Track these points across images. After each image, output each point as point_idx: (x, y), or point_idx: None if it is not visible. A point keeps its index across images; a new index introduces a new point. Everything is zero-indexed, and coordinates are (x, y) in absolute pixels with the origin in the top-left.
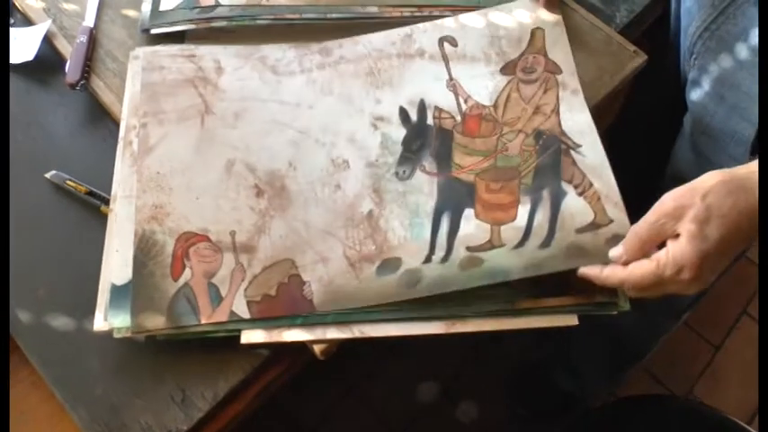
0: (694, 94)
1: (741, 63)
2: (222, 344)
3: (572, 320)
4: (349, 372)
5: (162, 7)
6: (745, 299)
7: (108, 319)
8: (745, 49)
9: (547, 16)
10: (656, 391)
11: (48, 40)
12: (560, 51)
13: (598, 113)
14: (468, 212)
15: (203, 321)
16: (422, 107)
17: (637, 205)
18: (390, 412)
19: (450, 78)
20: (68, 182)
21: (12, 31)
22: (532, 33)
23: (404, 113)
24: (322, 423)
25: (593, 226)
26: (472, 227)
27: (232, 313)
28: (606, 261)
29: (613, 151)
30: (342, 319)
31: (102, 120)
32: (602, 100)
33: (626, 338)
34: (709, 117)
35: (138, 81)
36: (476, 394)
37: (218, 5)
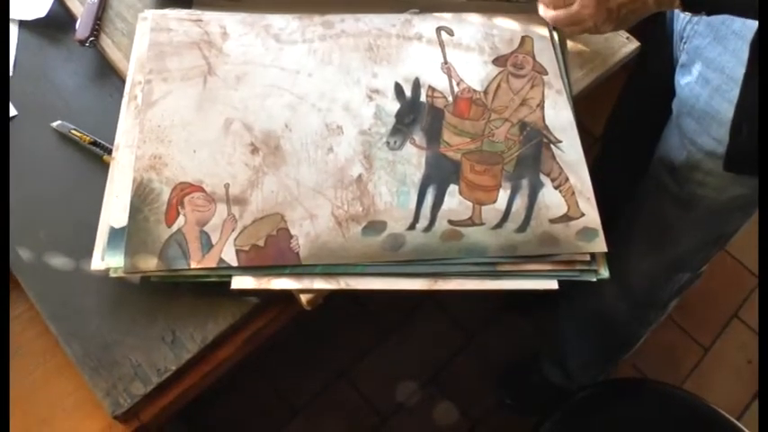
0: (682, 78)
1: (725, 46)
2: (213, 289)
3: (551, 284)
4: (341, 356)
5: None
6: (737, 303)
7: (104, 259)
8: (731, 34)
9: (536, 28)
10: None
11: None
12: (547, 58)
13: (592, 98)
14: (453, 188)
15: (193, 266)
16: (416, 85)
17: (628, 186)
18: (380, 397)
19: (445, 62)
20: (73, 131)
21: None
22: (522, 39)
23: (399, 88)
24: (310, 403)
25: (566, 218)
26: (455, 202)
27: (221, 260)
28: (575, 252)
29: (612, 138)
30: (329, 270)
31: (109, 76)
32: (593, 82)
33: (614, 329)
34: (694, 99)
35: (145, 41)
36: (466, 382)
37: None
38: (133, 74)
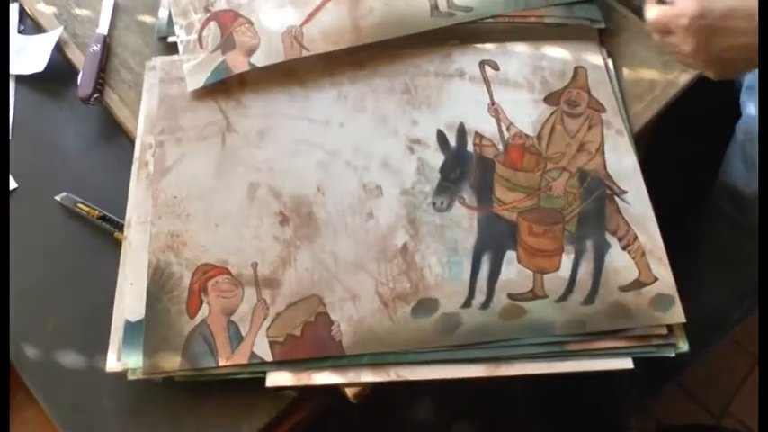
0: (749, 101)
1: None
2: (246, 384)
3: (626, 363)
4: None
5: None
6: None
7: (121, 359)
8: None
9: (589, 57)
10: (689, 407)
11: (59, 48)
12: (603, 92)
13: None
14: (510, 255)
15: (222, 363)
16: (461, 132)
17: (686, 210)
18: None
19: (492, 102)
20: (80, 205)
21: (21, 39)
22: (575, 71)
23: (442, 137)
24: None
25: (638, 284)
26: (514, 272)
27: (253, 354)
28: (649, 324)
29: (661, 154)
30: (377, 360)
31: (116, 136)
32: (654, 116)
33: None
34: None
35: (154, 94)
36: (496, 408)
37: None
38: (143, 135)
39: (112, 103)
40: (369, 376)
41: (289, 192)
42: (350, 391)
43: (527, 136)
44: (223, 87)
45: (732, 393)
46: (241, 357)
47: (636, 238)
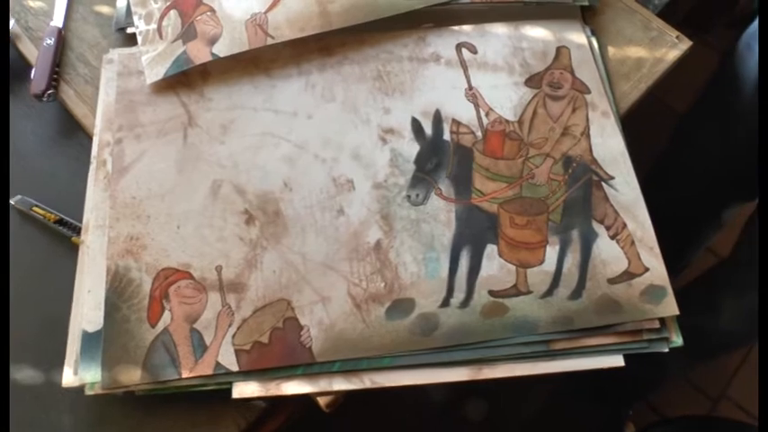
0: None
1: None
2: (212, 395)
3: (617, 361)
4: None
5: None
6: None
7: (79, 373)
8: None
9: (572, 35)
10: (686, 390)
11: (11, 42)
12: (587, 71)
13: (643, 108)
14: (491, 249)
15: (185, 375)
16: (437, 119)
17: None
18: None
19: (470, 87)
20: (35, 208)
21: None
22: (558, 50)
23: (417, 125)
24: None
25: (627, 275)
26: (495, 267)
27: (218, 365)
28: (640, 318)
29: (684, 152)
30: (350, 366)
31: (73, 134)
32: (642, 96)
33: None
34: None
35: (112, 89)
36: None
37: None
38: (100, 132)
39: (69, 100)
40: (342, 384)
41: (254, 189)
42: (322, 401)
43: (507, 121)
44: (185, 79)
45: (729, 377)
46: (205, 368)
47: (625, 226)
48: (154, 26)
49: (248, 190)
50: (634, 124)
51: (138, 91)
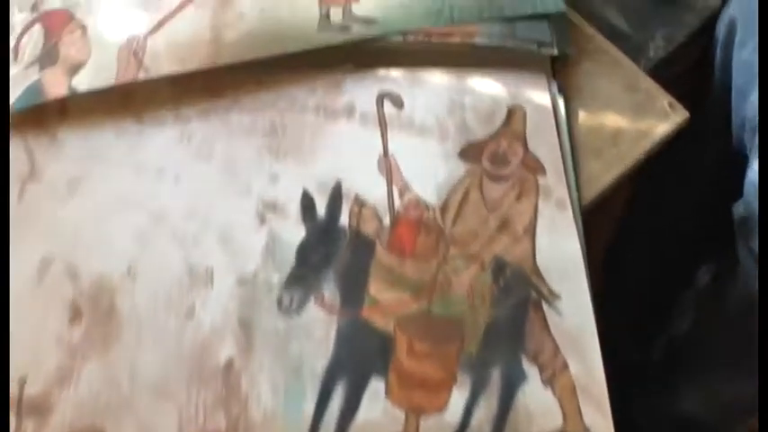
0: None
1: None
2: None
3: None
4: None
5: None
6: None
7: None
8: None
9: (531, 92)
10: None
11: None
12: (545, 143)
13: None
14: (377, 385)
15: None
16: (335, 195)
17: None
18: None
19: (386, 153)
20: None
21: None
22: (510, 111)
23: (307, 202)
24: None
25: None
26: (378, 411)
27: None
28: None
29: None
30: None
31: None
32: (615, 181)
33: None
34: None
35: None
36: None
37: None
38: None
39: None
40: None
41: (90, 272)
42: None
43: (427, 206)
44: (39, 115)
45: None
46: None
47: (566, 367)
48: (12, 43)
49: (83, 273)
50: None
51: None
